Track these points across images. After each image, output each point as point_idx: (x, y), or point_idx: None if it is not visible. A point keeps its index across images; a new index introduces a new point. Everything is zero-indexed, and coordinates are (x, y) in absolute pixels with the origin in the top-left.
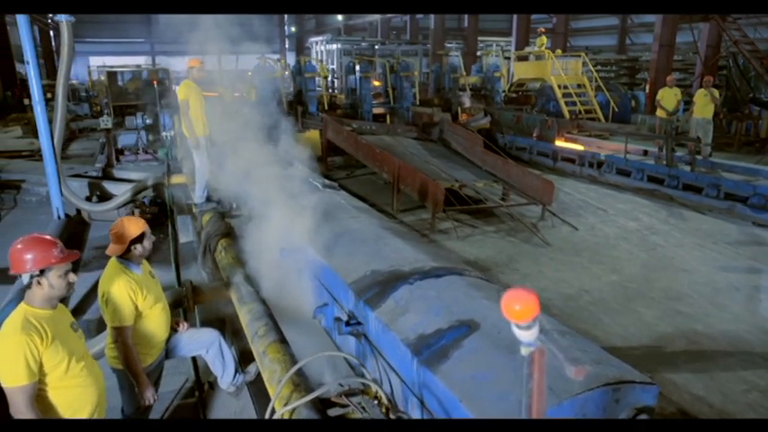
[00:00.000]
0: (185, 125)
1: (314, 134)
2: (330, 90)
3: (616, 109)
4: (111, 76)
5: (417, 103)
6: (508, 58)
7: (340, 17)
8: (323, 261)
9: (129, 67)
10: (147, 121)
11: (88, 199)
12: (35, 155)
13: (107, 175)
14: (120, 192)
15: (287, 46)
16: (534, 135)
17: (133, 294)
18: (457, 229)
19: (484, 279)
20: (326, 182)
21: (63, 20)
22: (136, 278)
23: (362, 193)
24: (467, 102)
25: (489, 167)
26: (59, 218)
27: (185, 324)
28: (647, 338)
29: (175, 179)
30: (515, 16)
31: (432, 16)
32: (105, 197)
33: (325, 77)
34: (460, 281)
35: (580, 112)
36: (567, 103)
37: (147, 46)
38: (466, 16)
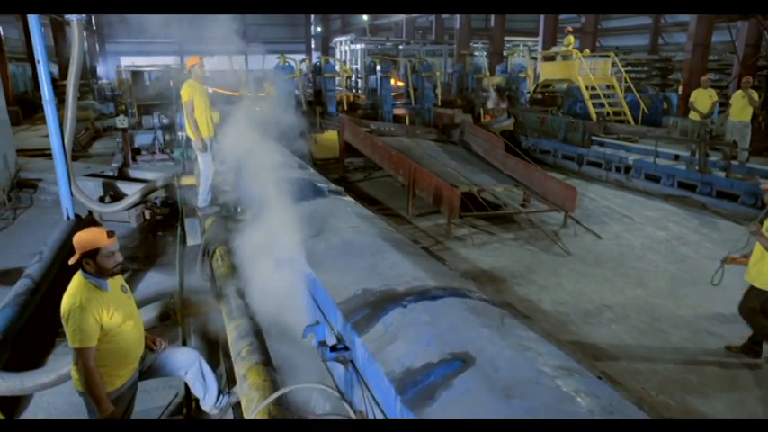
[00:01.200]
0: (190, 126)
1: (332, 135)
2: (353, 90)
3: (646, 111)
4: (136, 75)
5: (439, 103)
6: (535, 59)
7: (365, 17)
8: (314, 275)
9: (156, 66)
10: (164, 121)
11: (101, 199)
12: None
13: (123, 174)
14: (132, 192)
15: (313, 46)
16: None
17: (97, 313)
18: (473, 236)
19: (487, 301)
20: (332, 187)
21: (74, 19)
22: (101, 295)
23: (379, 196)
24: (490, 103)
25: (510, 171)
26: (68, 218)
27: (163, 342)
28: (674, 362)
29: (186, 180)
30: (542, 16)
31: (457, 16)
32: (119, 197)
33: (349, 77)
34: (459, 304)
35: (608, 114)
36: (594, 105)
37: (177, 46)
38: (492, 16)
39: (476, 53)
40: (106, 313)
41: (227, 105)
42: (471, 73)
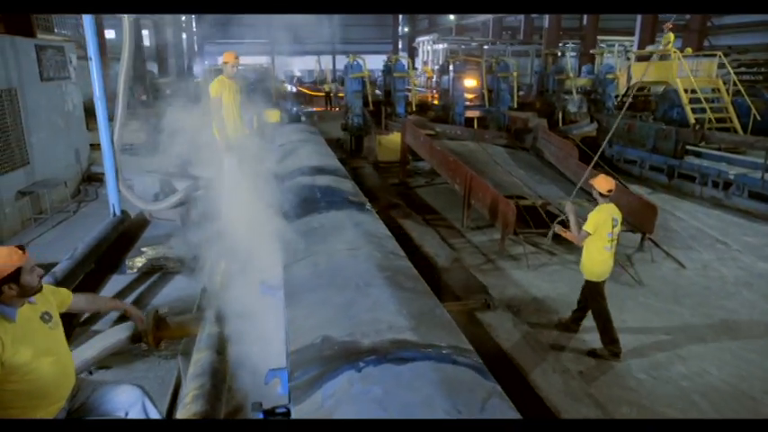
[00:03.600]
0: (216, 125)
1: (397, 137)
2: (434, 91)
3: (758, 118)
4: (216, 73)
5: (515, 106)
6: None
7: (452, 17)
8: (285, 309)
9: (245, 65)
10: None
11: (157, 196)
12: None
13: (184, 171)
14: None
15: (400, 47)
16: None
17: None
18: (529, 256)
19: (477, 369)
20: (356, 196)
21: (126, 16)
22: (2, 327)
23: (436, 205)
24: (572, 106)
25: (583, 183)
26: (114, 215)
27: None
28: None
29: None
30: None
31: (546, 15)
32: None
33: (429, 78)
34: (432, 372)
35: (710, 120)
36: (694, 110)
37: (269, 46)
38: (585, 15)
39: (567, 53)
40: (8, 349)
41: (307, 104)
42: (552, 74)
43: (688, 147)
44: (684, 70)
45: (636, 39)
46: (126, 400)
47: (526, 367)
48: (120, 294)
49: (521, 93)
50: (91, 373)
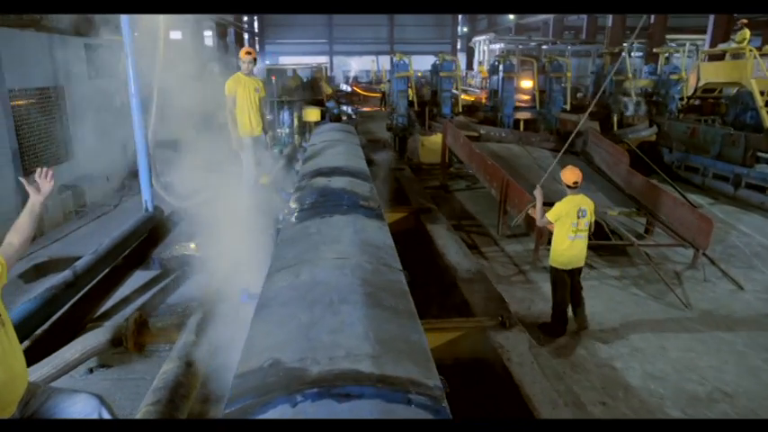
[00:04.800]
0: (230, 123)
1: (440, 138)
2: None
3: None
4: (270, 73)
5: (568, 108)
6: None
7: (511, 16)
8: (251, 323)
9: (300, 65)
10: (268, 117)
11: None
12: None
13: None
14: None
15: (458, 47)
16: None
17: None
18: None
19: (430, 409)
20: (369, 201)
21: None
22: None
23: (475, 210)
24: (630, 108)
25: (634, 192)
26: (147, 210)
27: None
28: None
29: (264, 178)
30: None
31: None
32: None
33: (485, 78)
34: (371, 415)
35: None
36: None
37: (327, 47)
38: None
39: (624, 53)
40: None
41: (361, 104)
42: (609, 74)
43: (759, 154)
44: (761, 70)
45: (708, 37)
46: (82, 410)
47: (534, 398)
48: (143, 289)
49: (580, 95)
50: (92, 371)
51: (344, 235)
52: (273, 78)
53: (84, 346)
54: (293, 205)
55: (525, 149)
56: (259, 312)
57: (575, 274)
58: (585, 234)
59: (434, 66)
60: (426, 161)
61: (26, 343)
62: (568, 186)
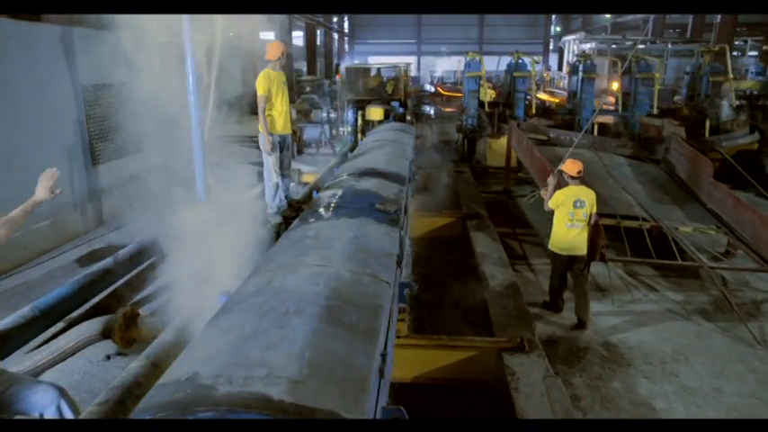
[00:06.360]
0: (262, 123)
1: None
2: None
3: None
4: (349, 72)
5: (655, 111)
6: None
7: (608, 15)
8: (202, 329)
9: (384, 64)
10: (332, 116)
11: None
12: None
13: None
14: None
15: (551, 47)
16: None
17: None
18: (621, 289)
19: None
20: (386, 205)
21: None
22: None
23: (533, 218)
24: (726, 112)
25: (716, 206)
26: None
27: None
28: None
29: (306, 177)
30: None
31: None
32: None
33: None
34: None
35: None
36: None
37: (416, 47)
38: None
39: (727, 52)
40: None
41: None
42: (707, 74)
43: None
44: None
45: None
46: (41, 401)
47: None
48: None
49: (678, 98)
50: (109, 357)
51: (341, 240)
52: (339, 77)
53: (79, 336)
54: (316, 206)
55: (597, 155)
56: (216, 317)
57: (574, 261)
58: (583, 224)
59: (509, 65)
60: (493, 165)
61: (60, 324)
62: (571, 177)
